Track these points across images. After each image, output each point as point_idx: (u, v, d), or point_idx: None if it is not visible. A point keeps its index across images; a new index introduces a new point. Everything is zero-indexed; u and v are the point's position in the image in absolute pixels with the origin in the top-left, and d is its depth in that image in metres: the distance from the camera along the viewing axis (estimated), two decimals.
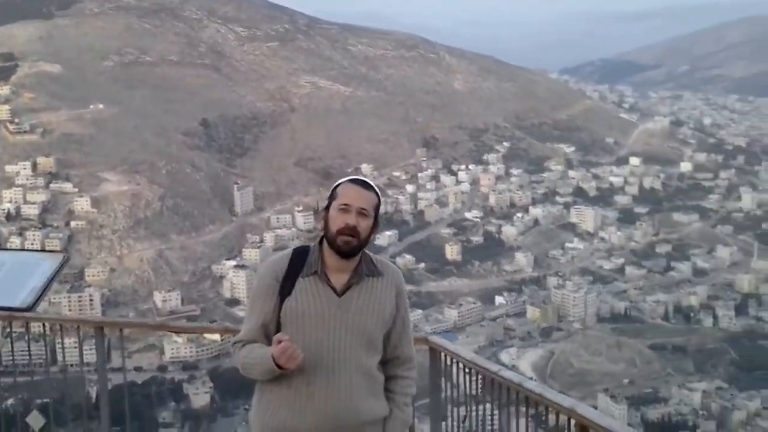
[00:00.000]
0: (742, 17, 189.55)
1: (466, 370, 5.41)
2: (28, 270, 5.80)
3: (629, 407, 58.24)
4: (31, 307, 5.56)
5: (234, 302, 67.56)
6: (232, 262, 73.00)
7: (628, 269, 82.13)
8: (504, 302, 74.74)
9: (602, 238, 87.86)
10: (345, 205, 3.49)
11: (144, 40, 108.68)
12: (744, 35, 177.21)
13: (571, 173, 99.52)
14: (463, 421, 5.59)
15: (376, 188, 3.59)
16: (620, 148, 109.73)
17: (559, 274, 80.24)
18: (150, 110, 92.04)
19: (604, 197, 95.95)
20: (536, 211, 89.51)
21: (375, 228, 3.56)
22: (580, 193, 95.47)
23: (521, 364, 64.30)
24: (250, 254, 74.79)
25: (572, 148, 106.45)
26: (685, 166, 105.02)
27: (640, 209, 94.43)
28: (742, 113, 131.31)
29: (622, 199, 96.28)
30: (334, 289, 3.53)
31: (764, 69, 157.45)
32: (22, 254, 6.83)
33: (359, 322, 3.53)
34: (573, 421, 4.18)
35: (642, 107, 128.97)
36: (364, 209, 3.50)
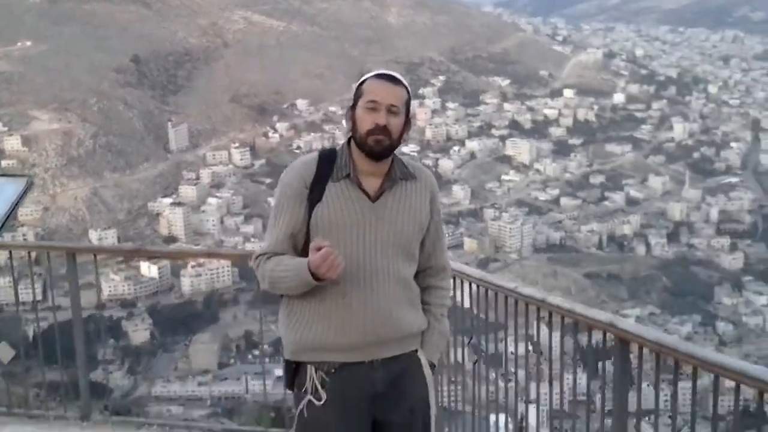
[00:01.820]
0: None
1: (477, 289, 5.22)
2: None
3: (564, 335, 59.42)
4: None
5: (171, 239, 67.08)
6: (169, 200, 72.44)
7: (563, 200, 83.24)
8: None
9: (537, 170, 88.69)
10: (372, 102, 3.24)
11: None
12: None
13: (507, 106, 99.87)
14: (469, 341, 5.43)
15: (405, 82, 3.34)
16: (554, 81, 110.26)
17: (496, 206, 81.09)
18: (80, 47, 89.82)
19: (538, 129, 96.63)
20: (472, 144, 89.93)
21: (407, 126, 3.33)
22: (515, 126, 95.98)
23: (458, 295, 65.08)
24: (186, 191, 74.25)
25: (507, 81, 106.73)
26: (618, 98, 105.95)
27: (575, 141, 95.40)
28: (673, 44, 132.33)
29: (556, 131, 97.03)
30: (366, 194, 3.30)
31: (694, 0, 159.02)
32: None
33: (395, 229, 3.31)
34: (610, 336, 4.07)
35: (575, 39, 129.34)
36: (394, 106, 3.25)
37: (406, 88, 3.32)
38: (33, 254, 6.54)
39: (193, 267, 61.33)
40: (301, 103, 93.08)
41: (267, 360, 53.50)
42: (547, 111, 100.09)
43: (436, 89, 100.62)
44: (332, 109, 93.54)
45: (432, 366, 3.50)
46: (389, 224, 3.30)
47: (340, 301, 3.26)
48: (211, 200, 73.10)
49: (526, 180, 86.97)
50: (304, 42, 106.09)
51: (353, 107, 3.32)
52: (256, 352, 55.40)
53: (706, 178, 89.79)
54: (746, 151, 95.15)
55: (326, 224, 3.24)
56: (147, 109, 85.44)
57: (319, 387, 3.31)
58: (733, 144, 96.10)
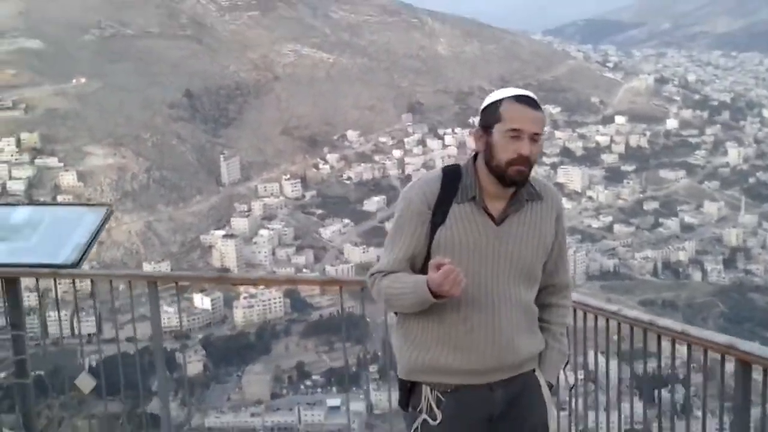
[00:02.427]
0: None
1: (575, 312, 4.94)
2: (69, 225, 5.47)
3: (620, 363, 58.60)
4: (77, 264, 5.24)
5: (224, 271, 67.46)
6: (221, 232, 73.04)
7: (617, 227, 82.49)
8: None
9: (590, 197, 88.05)
10: (516, 131, 3.03)
11: (124, 12, 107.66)
12: None
13: (558, 134, 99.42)
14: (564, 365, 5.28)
15: (539, 104, 3.13)
16: (606, 108, 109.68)
17: None
18: (133, 84, 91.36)
19: (590, 156, 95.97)
20: None
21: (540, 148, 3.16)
22: (567, 153, 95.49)
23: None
24: (238, 224, 74.89)
25: (558, 109, 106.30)
26: (671, 124, 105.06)
27: (627, 167, 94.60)
28: (726, 69, 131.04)
29: (608, 158, 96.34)
30: (492, 216, 3.13)
31: (746, 24, 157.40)
32: (61, 209, 6.48)
33: (520, 254, 3.15)
34: (729, 359, 3.89)
35: (626, 66, 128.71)
36: (537, 134, 3.06)
37: (542, 111, 3.14)
38: (92, 284, 6.39)
39: (245, 298, 61.77)
40: (352, 134, 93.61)
41: (319, 390, 54.06)
42: (598, 138, 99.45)
43: None
44: (382, 139, 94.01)
45: (550, 386, 3.37)
46: (513, 248, 3.15)
47: (461, 326, 3.14)
48: (263, 232, 73.52)
49: (578, 207, 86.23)
50: (354, 73, 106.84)
51: (486, 128, 3.10)
52: (308, 383, 55.52)
53: (763, 203, 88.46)
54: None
55: (449, 247, 3.09)
56: (199, 143, 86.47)
57: (435, 406, 3.20)
58: None
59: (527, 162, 3.03)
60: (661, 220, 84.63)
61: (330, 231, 75.65)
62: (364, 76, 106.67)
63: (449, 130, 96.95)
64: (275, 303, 62.20)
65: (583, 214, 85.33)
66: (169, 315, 58.64)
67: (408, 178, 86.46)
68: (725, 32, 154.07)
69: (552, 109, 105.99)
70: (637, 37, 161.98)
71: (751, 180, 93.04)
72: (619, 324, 4.67)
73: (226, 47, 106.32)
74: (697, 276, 74.86)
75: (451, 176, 3.16)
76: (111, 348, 5.87)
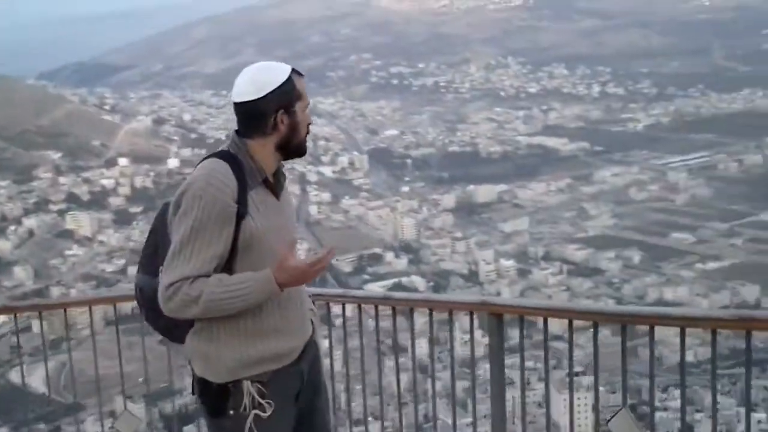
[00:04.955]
0: (205, 16, 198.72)
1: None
2: None
3: (146, 405, 59.77)
4: None
5: None
6: None
7: (130, 269, 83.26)
8: (6, 319, 71.94)
9: (101, 242, 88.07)
10: (308, 103, 3.17)
11: None
12: (208, 33, 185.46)
13: (62, 179, 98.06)
14: None
15: None
16: (108, 151, 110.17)
17: (62, 282, 79.45)
18: None
19: (97, 200, 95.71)
20: (30, 222, 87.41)
21: None
22: (73, 199, 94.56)
23: (33, 381, 63.14)
24: None
25: (59, 154, 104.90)
26: (172, 163, 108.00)
27: (135, 209, 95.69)
28: (218, 107, 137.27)
29: (115, 201, 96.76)
30: (275, 194, 3.14)
31: (232, 65, 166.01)
32: None
33: (293, 225, 3.26)
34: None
35: (123, 108, 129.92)
36: None
37: None
38: None
39: None
40: None
41: None
42: (104, 181, 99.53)
43: None
44: None
45: None
46: (291, 221, 3.26)
47: (277, 310, 3.16)
48: None
49: (90, 253, 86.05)
50: None
51: (285, 110, 3.09)
52: None
53: None
54: (296, 203, 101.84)
55: (258, 237, 3.03)
56: None
57: (261, 399, 3.15)
58: None
59: None
60: None
61: None
62: None
63: None
64: None
65: (96, 259, 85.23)
66: None
67: None
68: (213, 73, 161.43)
69: (54, 155, 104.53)
70: (130, 79, 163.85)
71: None
72: (360, 306, 4.96)
73: None
74: None
75: (235, 164, 3.05)
76: None
